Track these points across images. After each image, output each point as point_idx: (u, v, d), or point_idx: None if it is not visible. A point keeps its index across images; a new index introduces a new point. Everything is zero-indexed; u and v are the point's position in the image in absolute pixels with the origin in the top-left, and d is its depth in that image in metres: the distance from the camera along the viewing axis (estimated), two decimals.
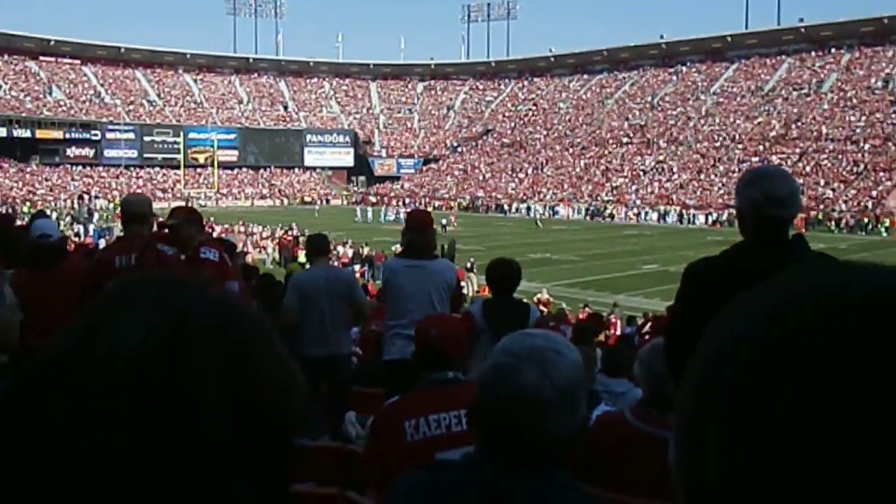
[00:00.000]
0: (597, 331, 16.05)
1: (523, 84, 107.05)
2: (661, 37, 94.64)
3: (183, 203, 66.84)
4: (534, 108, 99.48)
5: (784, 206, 2.74)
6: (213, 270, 4.88)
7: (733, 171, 67.65)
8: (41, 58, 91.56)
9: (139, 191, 75.08)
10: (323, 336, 6.01)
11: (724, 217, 59.45)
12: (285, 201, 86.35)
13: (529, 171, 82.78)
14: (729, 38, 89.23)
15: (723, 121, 77.72)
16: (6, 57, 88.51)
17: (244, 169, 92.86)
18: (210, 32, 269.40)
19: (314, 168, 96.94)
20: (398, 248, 31.48)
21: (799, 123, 71.85)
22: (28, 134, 79.68)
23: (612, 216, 65.59)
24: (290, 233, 39.75)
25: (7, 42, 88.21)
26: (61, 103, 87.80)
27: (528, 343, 1.49)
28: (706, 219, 60.13)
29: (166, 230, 5.15)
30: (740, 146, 71.59)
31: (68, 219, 51.13)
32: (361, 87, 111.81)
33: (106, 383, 0.63)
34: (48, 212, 54.05)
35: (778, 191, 2.73)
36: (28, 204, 64.02)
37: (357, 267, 31.04)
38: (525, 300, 19.10)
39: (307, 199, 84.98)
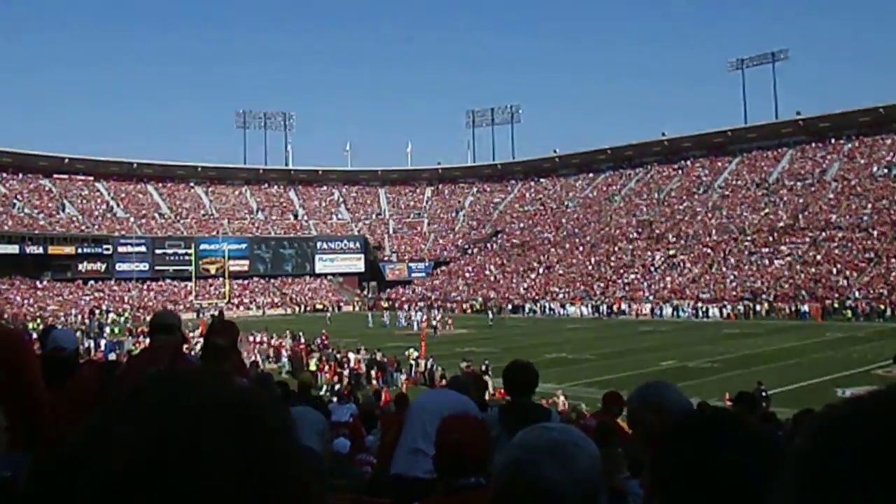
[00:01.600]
0: (610, 430, 15.56)
1: (530, 185, 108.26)
2: (664, 134, 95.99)
3: (194, 316, 67.23)
4: (541, 207, 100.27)
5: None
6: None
7: (744, 263, 67.61)
8: (55, 175, 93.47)
9: (150, 303, 75.48)
10: None
11: (741, 308, 59.19)
12: (297, 309, 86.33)
13: (540, 270, 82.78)
14: (729, 133, 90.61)
15: (730, 213, 78.08)
16: (20, 175, 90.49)
17: (255, 278, 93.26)
18: (220, 145, 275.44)
19: (325, 275, 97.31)
20: (412, 351, 31.30)
21: (806, 213, 72.07)
22: (40, 250, 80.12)
23: (624, 312, 65.26)
24: (300, 342, 39.42)
25: (22, 161, 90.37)
26: (74, 219, 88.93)
27: (545, 436, 1.45)
28: (720, 312, 59.65)
29: (212, 349, 5.07)
30: (749, 238, 71.59)
31: (79, 334, 50.94)
32: (370, 193, 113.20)
33: (121, 484, 0.62)
34: (58, 327, 54.23)
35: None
36: (38, 320, 63.77)
37: (372, 372, 30.76)
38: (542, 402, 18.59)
39: (319, 306, 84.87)
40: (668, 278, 70.25)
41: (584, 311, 68.18)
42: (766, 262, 66.87)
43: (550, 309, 70.85)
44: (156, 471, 0.63)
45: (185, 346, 5.22)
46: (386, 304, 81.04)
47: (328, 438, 2.90)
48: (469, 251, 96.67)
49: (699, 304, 62.22)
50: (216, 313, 58.45)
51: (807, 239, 67.80)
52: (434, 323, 55.39)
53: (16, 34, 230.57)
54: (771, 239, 70.08)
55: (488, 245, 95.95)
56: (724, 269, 68.47)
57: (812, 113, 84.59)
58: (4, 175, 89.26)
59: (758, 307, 59.05)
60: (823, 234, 67.42)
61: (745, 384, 22.17)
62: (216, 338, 5.16)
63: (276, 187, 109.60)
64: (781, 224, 71.87)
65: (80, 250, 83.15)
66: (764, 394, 20.44)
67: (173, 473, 0.63)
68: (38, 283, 79.67)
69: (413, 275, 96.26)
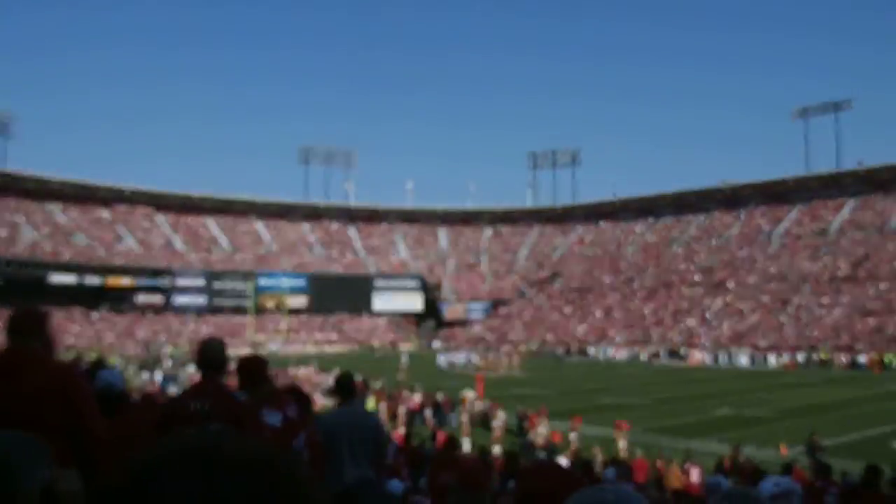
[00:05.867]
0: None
1: (590, 228, 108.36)
2: (724, 180, 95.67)
3: (250, 350, 68.18)
4: (600, 251, 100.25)
5: None
6: (271, 436, 5.04)
7: (803, 312, 66.86)
8: (115, 206, 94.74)
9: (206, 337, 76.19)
10: (340, 478, 6.01)
11: (799, 358, 58.60)
12: (354, 347, 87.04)
13: (598, 314, 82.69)
14: (791, 182, 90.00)
15: (789, 262, 77.28)
16: (81, 206, 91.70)
17: (313, 314, 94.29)
18: (281, 180, 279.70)
19: (383, 313, 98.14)
20: (469, 392, 31.72)
21: (866, 264, 71.04)
22: (98, 282, 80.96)
23: (683, 357, 65.02)
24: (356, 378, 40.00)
25: (82, 192, 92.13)
26: (132, 251, 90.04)
27: (598, 497, 1.44)
28: (778, 360, 59.24)
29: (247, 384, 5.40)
30: (808, 287, 70.80)
31: (134, 366, 51.65)
32: (430, 232, 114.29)
33: None
34: (116, 358, 54.94)
35: None
36: (94, 352, 64.30)
37: (428, 412, 31.16)
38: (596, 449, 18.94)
39: (376, 344, 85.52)
40: (726, 325, 69.74)
41: (642, 356, 67.98)
42: (825, 311, 66.08)
43: (605, 353, 70.89)
44: None
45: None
46: (443, 345, 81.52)
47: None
48: (527, 293, 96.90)
49: (756, 352, 61.76)
50: (254, 350, 59.13)
51: (867, 289, 66.83)
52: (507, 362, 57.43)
53: (78, 61, 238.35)
54: (831, 289, 69.24)
55: (547, 287, 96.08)
56: (782, 317, 67.81)
57: (874, 163, 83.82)
58: (65, 205, 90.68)
59: (815, 356, 58.42)
60: (883, 284, 66.37)
61: (800, 435, 22.39)
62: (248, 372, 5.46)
63: (335, 224, 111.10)
64: (841, 274, 71.04)
65: (137, 282, 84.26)
66: (819, 444, 20.56)
67: None
68: (94, 313, 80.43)
69: (471, 315, 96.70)
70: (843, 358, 56.84)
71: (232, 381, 5.93)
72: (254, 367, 5.56)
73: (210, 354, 4.87)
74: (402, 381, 41.15)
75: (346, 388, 6.40)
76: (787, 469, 15.44)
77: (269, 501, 0.72)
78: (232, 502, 0.69)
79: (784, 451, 22.30)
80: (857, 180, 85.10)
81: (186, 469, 0.73)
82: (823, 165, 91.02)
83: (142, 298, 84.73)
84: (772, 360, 59.70)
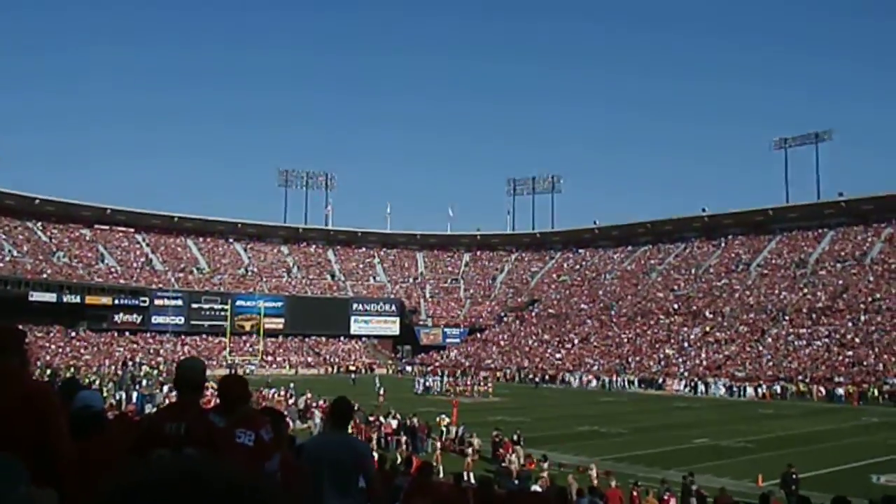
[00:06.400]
0: None
1: (568, 255, 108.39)
2: (704, 210, 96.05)
3: (228, 371, 67.56)
4: (579, 278, 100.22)
5: None
6: (245, 456, 4.82)
7: (781, 343, 66.84)
8: (96, 226, 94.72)
9: (183, 357, 75.79)
10: None
11: (776, 389, 58.43)
12: (330, 369, 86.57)
13: (576, 341, 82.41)
14: (770, 212, 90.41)
15: (768, 292, 77.41)
16: (62, 225, 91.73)
17: (290, 337, 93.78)
18: (261, 203, 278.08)
19: (360, 336, 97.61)
20: (444, 417, 31.29)
21: (845, 295, 71.24)
22: (77, 300, 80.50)
23: (661, 387, 64.83)
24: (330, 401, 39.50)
25: (64, 210, 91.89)
26: (112, 270, 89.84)
27: None
28: (756, 391, 58.97)
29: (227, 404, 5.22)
30: (787, 318, 70.85)
31: (111, 385, 51.08)
32: (408, 256, 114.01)
33: None
34: (91, 377, 54.43)
35: None
36: (72, 370, 64.14)
37: (404, 438, 30.69)
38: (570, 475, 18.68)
39: (352, 367, 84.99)
40: (704, 354, 69.56)
41: (618, 383, 67.67)
42: (804, 342, 66.04)
43: (581, 380, 70.52)
44: None
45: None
46: (418, 369, 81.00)
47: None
48: (505, 319, 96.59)
49: (734, 383, 61.55)
50: (232, 370, 58.81)
51: (846, 321, 66.92)
52: (479, 388, 57.68)
53: (60, 85, 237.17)
54: (809, 320, 69.28)
55: (524, 313, 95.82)
56: (760, 347, 67.73)
57: (855, 194, 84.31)
58: (46, 224, 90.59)
59: (792, 388, 58.26)
60: (863, 317, 66.52)
61: (777, 466, 22.05)
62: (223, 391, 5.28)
63: (314, 247, 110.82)
64: (820, 305, 71.13)
65: (116, 301, 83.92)
66: (795, 476, 20.25)
67: None
68: (74, 332, 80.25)
69: (447, 340, 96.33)
70: (822, 390, 56.67)
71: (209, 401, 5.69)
72: (234, 387, 5.36)
73: (187, 375, 4.80)
74: (380, 406, 40.66)
75: (341, 415, 6.33)
76: (764, 501, 15.11)
77: None
78: None
79: (761, 482, 21.99)
80: (837, 211, 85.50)
81: (164, 496, 0.73)
82: (803, 196, 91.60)
83: (120, 317, 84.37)
84: (749, 390, 59.42)
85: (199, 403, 4.86)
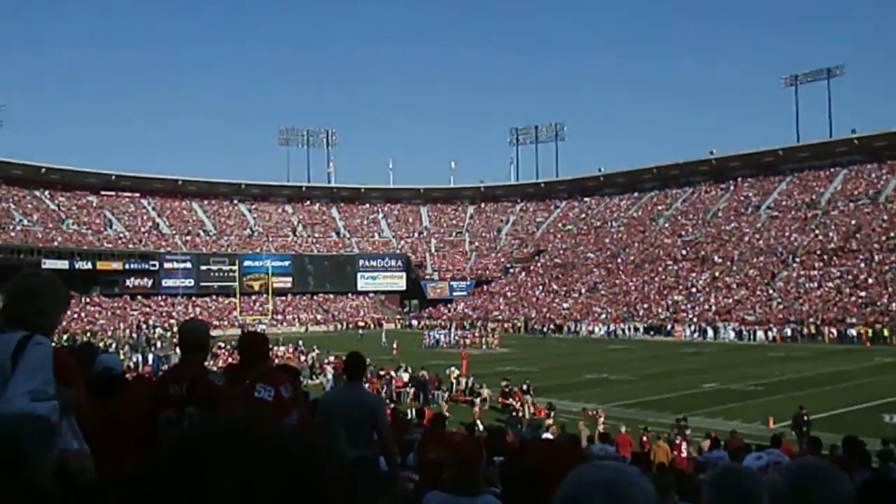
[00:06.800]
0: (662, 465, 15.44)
1: (573, 204, 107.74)
2: (711, 152, 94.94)
3: (239, 331, 67.87)
4: (585, 227, 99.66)
5: None
6: (266, 410, 5.00)
7: (792, 286, 66.42)
8: (102, 192, 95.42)
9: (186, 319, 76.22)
10: (337, 457, 5.99)
11: (787, 332, 58.14)
12: (339, 326, 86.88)
13: (583, 290, 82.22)
14: (780, 152, 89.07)
15: (778, 235, 76.68)
16: (69, 193, 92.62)
17: (298, 295, 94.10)
18: (263, 163, 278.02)
19: (367, 292, 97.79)
20: (453, 370, 31.21)
21: (858, 235, 70.45)
22: (89, 266, 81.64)
23: (670, 333, 64.69)
24: (340, 358, 39.64)
25: (71, 178, 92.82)
26: (121, 235, 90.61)
27: (599, 474, 1.38)
28: (766, 335, 58.73)
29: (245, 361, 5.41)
30: (798, 260, 70.29)
31: (127, 348, 52.02)
32: (412, 211, 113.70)
33: None
34: (107, 341, 55.32)
35: None
36: (88, 334, 65.07)
37: (413, 390, 30.74)
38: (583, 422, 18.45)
39: (361, 323, 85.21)
40: (713, 300, 69.26)
41: (627, 330, 67.62)
42: (815, 284, 65.54)
43: (590, 329, 70.47)
44: None
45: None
46: (426, 323, 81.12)
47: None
48: (511, 270, 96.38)
49: (744, 327, 61.29)
50: (249, 329, 59.36)
51: (858, 261, 66.30)
52: (488, 339, 57.65)
53: (62, 49, 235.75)
54: (821, 262, 68.64)
55: (531, 264, 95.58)
56: (770, 291, 67.33)
57: (867, 131, 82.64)
58: (53, 192, 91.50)
59: (804, 330, 57.99)
60: (877, 256, 65.80)
61: (788, 408, 21.84)
62: (247, 351, 5.46)
63: (318, 205, 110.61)
64: (832, 246, 70.24)
65: (127, 266, 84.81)
66: (806, 418, 20.06)
67: None
68: (87, 297, 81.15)
69: (454, 293, 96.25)
70: (833, 331, 56.32)
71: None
72: (254, 345, 5.56)
73: (188, 336, 4.95)
74: (394, 359, 40.86)
75: (354, 369, 6.51)
76: (775, 442, 14.90)
77: (304, 485, 0.74)
78: (267, 484, 0.72)
79: (772, 425, 21.82)
80: (850, 149, 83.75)
81: (218, 450, 0.75)
82: (815, 135, 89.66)
83: (132, 282, 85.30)
84: (760, 334, 59.14)
85: (200, 363, 4.98)
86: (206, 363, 5.51)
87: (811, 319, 59.33)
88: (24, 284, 3.35)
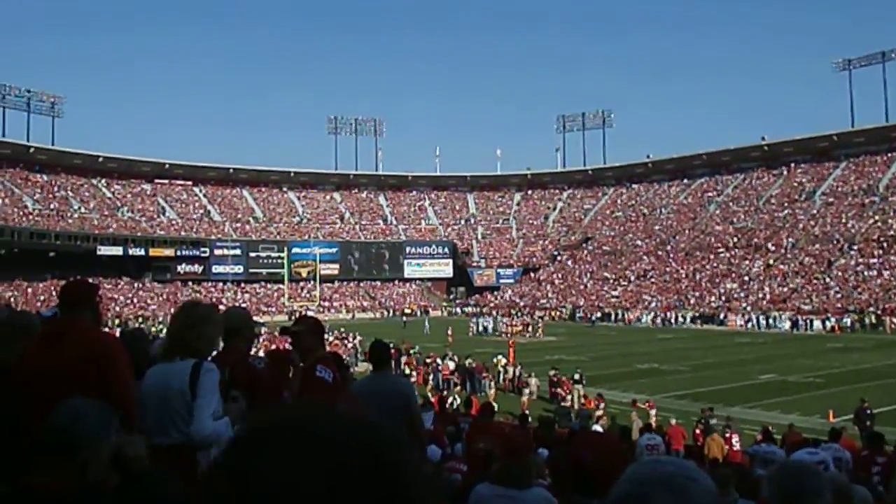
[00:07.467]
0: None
1: (621, 191, 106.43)
2: (763, 138, 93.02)
3: (286, 317, 68.25)
4: (633, 214, 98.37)
5: None
6: (324, 391, 4.98)
7: (850, 274, 64.62)
8: (156, 180, 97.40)
9: (244, 304, 76.91)
10: None
11: (846, 321, 56.42)
12: (386, 313, 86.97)
13: (632, 278, 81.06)
14: (835, 137, 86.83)
15: (834, 221, 74.68)
16: (124, 181, 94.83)
17: (345, 282, 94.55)
18: (312, 151, 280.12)
19: (414, 279, 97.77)
20: (500, 358, 30.76)
21: None
22: (142, 252, 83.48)
23: (723, 322, 63.37)
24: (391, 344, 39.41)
25: (126, 167, 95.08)
26: (173, 222, 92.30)
27: (658, 470, 1.32)
28: (824, 324, 57.03)
29: (289, 337, 5.42)
30: (856, 248, 68.32)
31: None
32: (459, 198, 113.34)
33: None
34: (158, 327, 56.07)
35: None
36: (140, 319, 66.09)
37: (459, 379, 30.31)
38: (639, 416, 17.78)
39: (408, 310, 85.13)
40: (767, 288, 67.68)
41: (678, 320, 66.46)
42: (874, 272, 63.66)
43: (639, 318, 69.36)
44: None
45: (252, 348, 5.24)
46: (473, 310, 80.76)
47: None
48: (559, 258, 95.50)
49: (800, 316, 59.69)
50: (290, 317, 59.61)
51: None
52: (531, 327, 56.92)
53: (121, 35, 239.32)
54: (880, 249, 66.62)
55: (578, 252, 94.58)
56: (827, 279, 65.55)
57: None
58: (110, 181, 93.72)
59: (864, 320, 56.26)
60: None
61: (849, 401, 20.95)
62: (294, 326, 5.43)
63: (365, 192, 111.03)
64: (892, 233, 68.16)
65: (179, 252, 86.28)
66: (868, 412, 19.15)
67: None
68: (140, 283, 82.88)
69: (501, 281, 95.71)
70: (895, 321, 54.64)
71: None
72: (315, 328, 5.52)
73: (228, 322, 4.87)
74: (449, 346, 40.71)
75: (379, 356, 6.40)
76: (835, 436, 14.16)
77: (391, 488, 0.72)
78: (354, 482, 0.70)
79: (832, 418, 20.97)
80: None
81: (282, 444, 0.72)
82: (870, 119, 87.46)
83: (183, 268, 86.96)
84: (817, 324, 57.47)
85: (240, 349, 5.02)
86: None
87: (871, 309, 57.57)
88: (184, 315, 4.04)
